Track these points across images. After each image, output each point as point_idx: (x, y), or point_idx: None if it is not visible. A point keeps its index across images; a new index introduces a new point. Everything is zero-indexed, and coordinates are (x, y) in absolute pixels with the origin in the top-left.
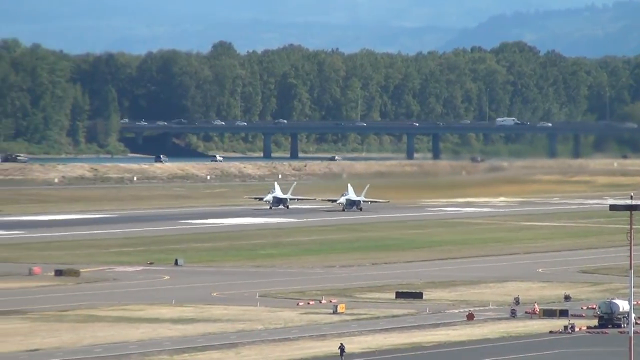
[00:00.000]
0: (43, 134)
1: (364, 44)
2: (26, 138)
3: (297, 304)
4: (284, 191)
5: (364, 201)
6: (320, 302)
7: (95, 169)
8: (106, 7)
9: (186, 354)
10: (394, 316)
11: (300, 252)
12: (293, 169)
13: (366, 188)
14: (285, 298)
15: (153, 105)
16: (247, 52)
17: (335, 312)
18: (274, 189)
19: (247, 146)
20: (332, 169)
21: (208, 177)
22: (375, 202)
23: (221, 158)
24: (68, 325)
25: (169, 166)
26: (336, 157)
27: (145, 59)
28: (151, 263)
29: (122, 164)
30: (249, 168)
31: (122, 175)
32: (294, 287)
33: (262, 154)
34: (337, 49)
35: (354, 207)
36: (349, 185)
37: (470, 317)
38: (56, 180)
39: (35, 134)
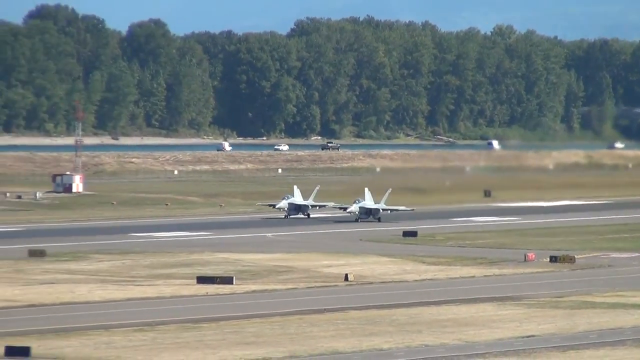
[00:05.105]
0: (537, 120)
1: None
2: (521, 124)
3: None
4: (306, 195)
5: (383, 209)
6: None
7: (590, 156)
8: None
9: None
10: None
11: None
12: None
13: (387, 193)
14: None
15: None
16: None
17: None
18: (293, 193)
19: None
20: None
21: None
22: (397, 210)
23: None
24: (563, 311)
25: None
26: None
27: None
28: None
29: (619, 151)
30: None
31: (616, 162)
32: None
33: None
34: None
35: (371, 217)
36: (366, 189)
37: None
38: (551, 166)
39: (529, 121)
